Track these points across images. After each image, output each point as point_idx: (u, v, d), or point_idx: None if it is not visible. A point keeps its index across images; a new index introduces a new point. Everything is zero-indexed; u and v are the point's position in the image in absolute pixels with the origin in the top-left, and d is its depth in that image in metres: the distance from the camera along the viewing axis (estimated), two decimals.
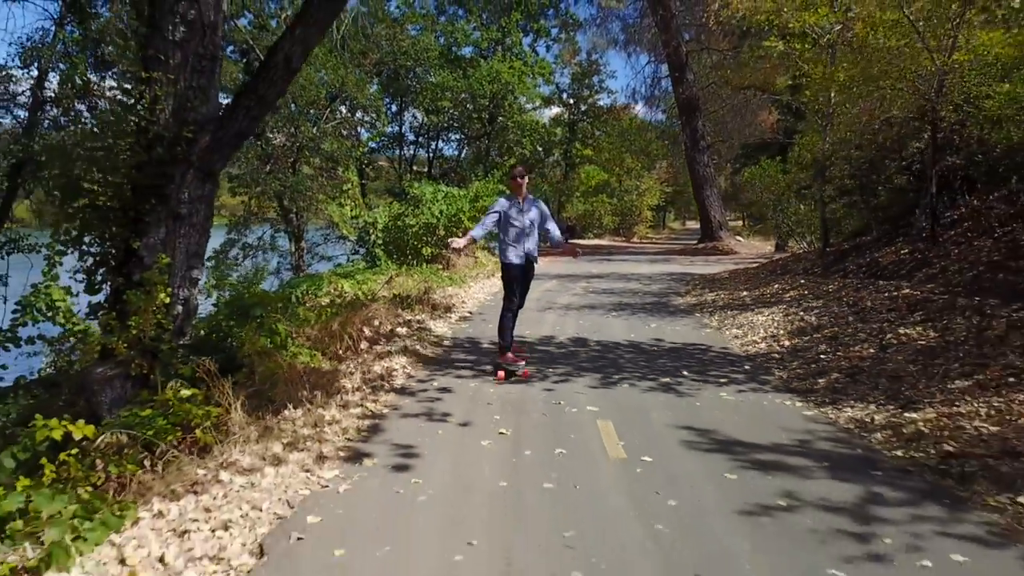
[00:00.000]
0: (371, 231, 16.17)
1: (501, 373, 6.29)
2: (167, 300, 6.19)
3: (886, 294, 8.33)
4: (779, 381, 6.32)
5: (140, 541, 3.44)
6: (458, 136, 28.27)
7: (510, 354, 6.45)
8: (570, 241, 27.72)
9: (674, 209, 59.81)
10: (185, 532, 3.49)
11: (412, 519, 3.48)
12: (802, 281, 10.98)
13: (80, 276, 6.57)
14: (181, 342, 6.57)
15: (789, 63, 12.52)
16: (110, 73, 13.85)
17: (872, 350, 6.66)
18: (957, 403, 4.95)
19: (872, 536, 3.24)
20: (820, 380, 6.15)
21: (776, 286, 11.29)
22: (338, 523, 3.44)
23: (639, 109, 31.84)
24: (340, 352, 7.35)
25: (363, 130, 24.62)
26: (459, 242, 6.46)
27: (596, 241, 31.86)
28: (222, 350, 6.75)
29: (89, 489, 4.09)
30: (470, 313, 10.34)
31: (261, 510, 3.63)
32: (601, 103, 31.03)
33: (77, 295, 7.00)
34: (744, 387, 6.08)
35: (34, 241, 13.83)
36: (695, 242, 26.57)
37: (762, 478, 3.96)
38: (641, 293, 12.70)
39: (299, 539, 3.29)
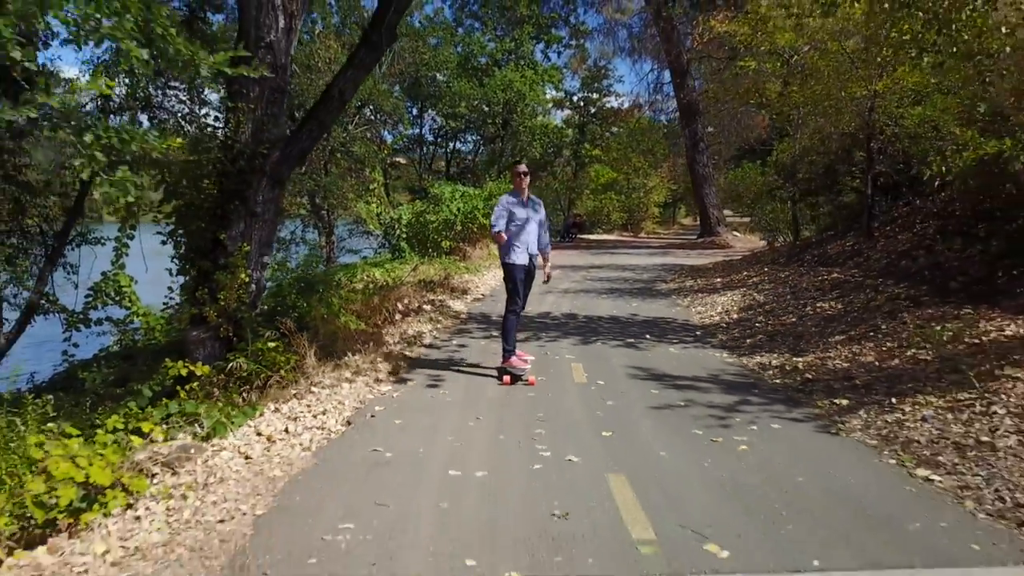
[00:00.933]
0: (396, 226, 18.20)
1: (507, 378, 6.21)
2: (247, 280, 8.25)
3: (820, 278, 10.25)
4: (717, 342, 8.25)
5: (268, 423, 5.44)
6: (474, 137, 30.23)
7: (515, 358, 6.32)
8: (572, 242, 29.68)
9: (685, 205, 61.38)
10: (296, 418, 5.49)
11: (442, 408, 5.48)
12: (766, 270, 12.88)
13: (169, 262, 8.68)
14: (254, 312, 8.65)
15: (762, 80, 14.36)
16: (168, 87, 15.87)
17: (793, 319, 8.59)
18: (829, 351, 6.89)
19: (729, 417, 5.18)
20: (747, 340, 8.09)
21: (744, 274, 13.20)
22: (396, 410, 5.45)
23: (646, 111, 33.50)
24: (379, 322, 9.36)
25: (387, 132, 26.71)
26: (502, 238, 6.21)
27: (604, 236, 33.70)
28: (286, 315, 8.79)
29: (219, 401, 6.14)
30: (482, 295, 12.32)
31: (344, 405, 5.65)
32: (609, 106, 32.93)
33: (138, 282, 9.18)
34: (689, 345, 8.03)
35: (99, 235, 15.91)
36: (695, 237, 28.42)
37: (675, 392, 5.91)
38: (631, 280, 14.63)
39: (372, 416, 5.30)
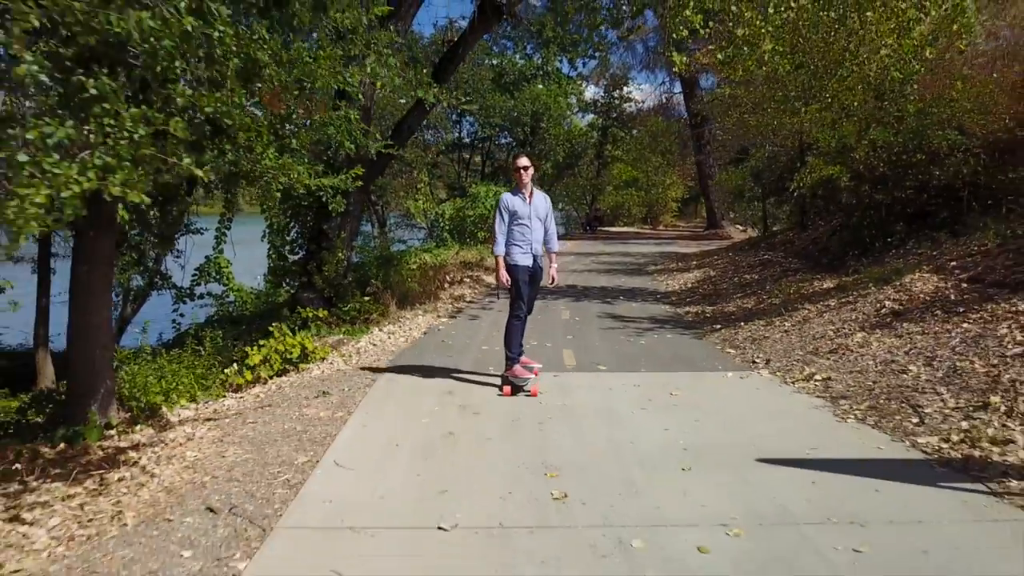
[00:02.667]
0: (440, 220, 22.05)
1: (507, 388, 5.84)
2: (342, 258, 12.15)
3: (756, 259, 13.85)
4: (666, 300, 11.91)
5: (377, 335, 9.30)
6: (507, 140, 33.97)
7: (518, 366, 5.91)
8: (594, 234, 33.31)
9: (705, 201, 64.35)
10: (392, 332, 9.34)
11: (477, 327, 9.28)
12: (730, 255, 16.46)
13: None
14: (347, 280, 12.55)
15: (734, 104, 17.87)
16: None
17: (724, 286, 12.22)
18: (730, 302, 10.53)
19: (646, 332, 8.86)
20: (686, 298, 11.74)
21: (714, 258, 16.79)
22: (450, 328, 9.28)
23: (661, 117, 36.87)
24: (433, 288, 13.21)
25: (430, 137, 30.63)
26: (503, 275, 5.82)
27: (624, 228, 37.26)
28: (368, 283, 12.72)
29: (341, 330, 10.05)
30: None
31: (419, 326, 9.49)
32: (629, 111, 36.44)
33: (230, 264, 13.26)
34: (646, 302, 11.69)
35: (199, 226, 19.99)
36: (702, 229, 31.84)
37: (621, 323, 9.60)
38: (629, 263, 18.27)
39: (438, 330, 9.14)
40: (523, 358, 6.08)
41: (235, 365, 7.53)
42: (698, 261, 17.19)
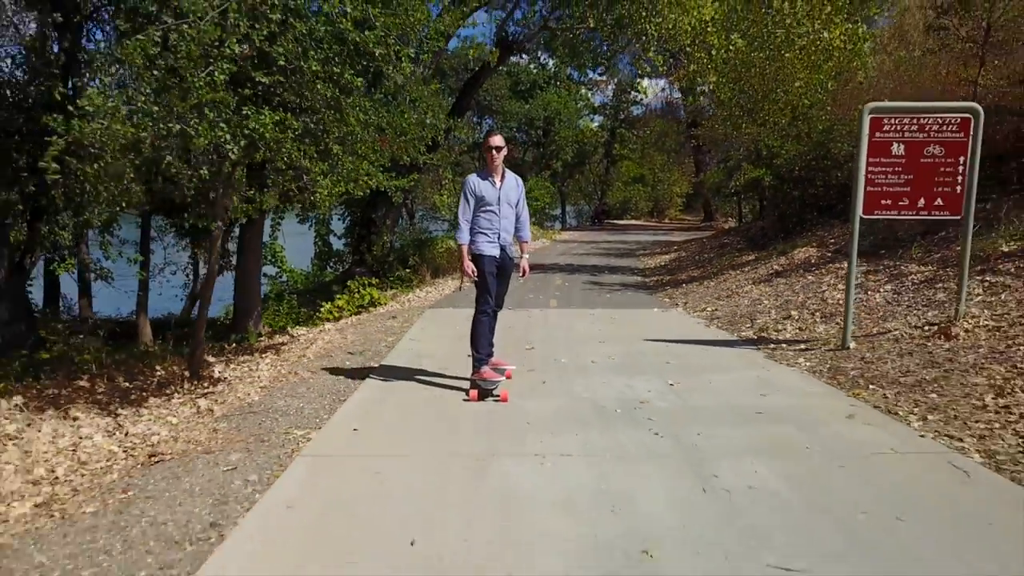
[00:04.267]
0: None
1: (474, 392, 5.20)
2: (387, 240, 15.64)
3: (720, 242, 17.08)
4: (641, 274, 15.17)
5: (417, 293, 12.74)
6: (522, 140, 37.31)
7: (487, 368, 5.28)
8: (601, 226, 36.52)
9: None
10: (428, 292, 12.76)
11: (513, 282, 12.64)
12: (704, 241, 19.68)
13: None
14: (391, 258, 16.03)
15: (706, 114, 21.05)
16: None
17: (688, 263, 15.48)
18: (684, 272, 13.80)
19: (615, 293, 12.16)
20: (656, 272, 15.01)
21: (692, 244, 20.02)
22: (470, 290, 12.65)
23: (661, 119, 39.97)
24: (458, 265, 16.63)
25: (452, 139, 34.06)
26: (469, 270, 5.26)
27: (631, 221, 40.46)
28: (407, 260, 16.20)
29: (390, 292, 13.53)
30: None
31: (449, 288, 12.87)
32: (635, 113, 39.66)
33: (283, 249, 16.76)
34: (624, 275, 14.96)
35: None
36: (699, 221, 34.98)
37: (598, 287, 12.90)
38: (623, 249, 21.54)
39: (461, 288, 12.51)
40: (494, 359, 5.46)
41: (327, 304, 10.98)
42: (679, 247, 20.44)
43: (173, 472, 3.99)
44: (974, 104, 6.27)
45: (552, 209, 39.46)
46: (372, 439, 4.31)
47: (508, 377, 5.65)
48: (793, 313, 8.06)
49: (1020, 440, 3.97)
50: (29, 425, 5.45)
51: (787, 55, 12.74)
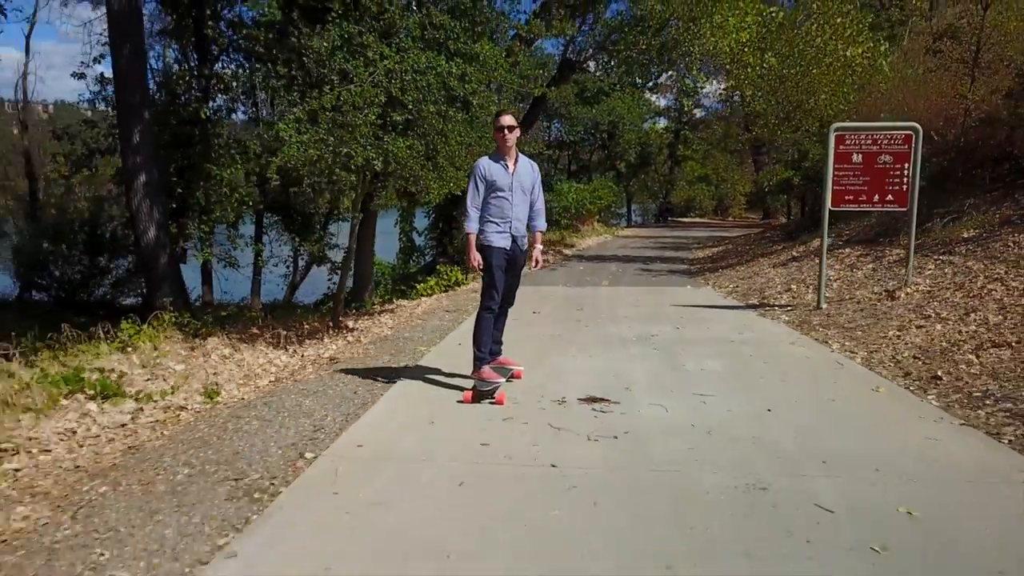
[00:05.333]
0: None
1: (468, 394, 4.84)
2: None
3: (765, 236, 18.96)
4: (688, 263, 17.23)
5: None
6: (589, 143, 39.49)
7: (487, 368, 4.90)
8: (666, 224, 38.43)
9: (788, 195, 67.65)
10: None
11: (554, 274, 14.98)
12: (752, 236, 21.53)
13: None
14: None
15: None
16: None
17: (730, 254, 17.47)
18: (725, 260, 15.84)
19: (664, 277, 14.33)
20: (703, 261, 17.06)
21: (740, 239, 21.88)
22: (539, 274, 15.04)
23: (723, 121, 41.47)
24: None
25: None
26: (474, 256, 4.85)
27: (695, 219, 42.13)
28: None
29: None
30: (580, 250, 21.73)
31: None
32: (698, 116, 41.28)
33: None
34: (674, 264, 17.06)
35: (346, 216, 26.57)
36: (759, 219, 36.45)
37: (649, 273, 15.08)
38: (679, 243, 23.54)
39: (529, 271, 14.92)
40: (502, 357, 5.26)
41: (420, 285, 13.54)
42: (730, 241, 22.33)
43: (350, 367, 6.51)
44: (915, 124, 8.29)
45: (618, 208, 41.55)
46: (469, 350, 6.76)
47: (518, 377, 5.28)
48: (793, 287, 10.14)
49: (894, 352, 6.09)
50: (235, 351, 8.11)
51: (814, 71, 14.66)
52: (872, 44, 14.41)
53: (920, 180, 12.22)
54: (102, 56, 14.55)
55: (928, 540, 2.82)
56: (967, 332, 6.13)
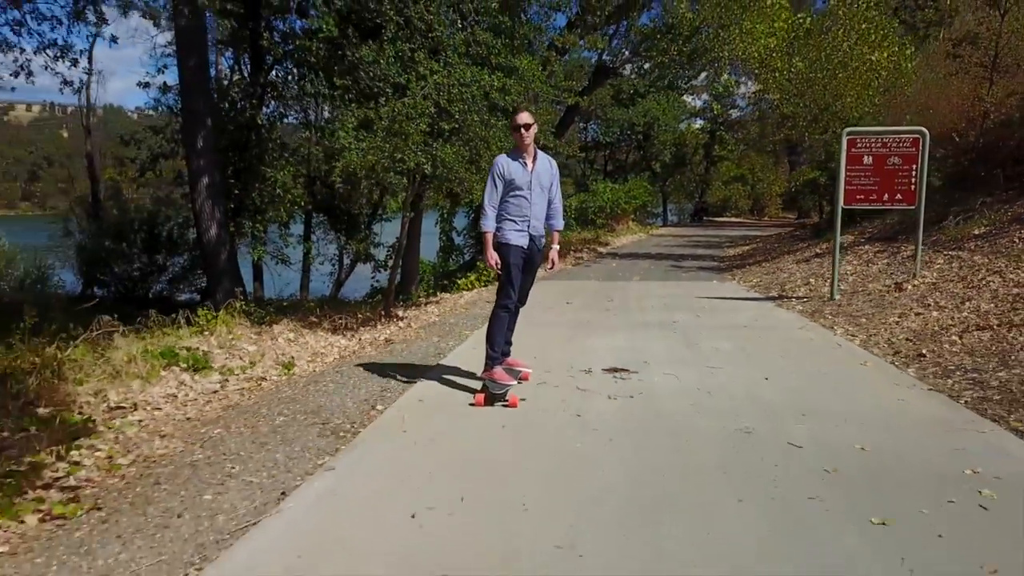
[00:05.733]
0: (568, 211, 28.58)
1: (480, 396, 4.75)
2: None
3: (792, 234, 19.48)
4: (718, 260, 17.85)
5: None
6: (625, 143, 40.10)
7: (499, 369, 4.84)
8: (701, 223, 38.97)
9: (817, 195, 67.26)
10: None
11: (587, 271, 15.76)
12: (783, 234, 22.02)
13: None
14: None
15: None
16: None
17: (759, 252, 18.05)
18: (752, 260, 16.46)
19: (693, 273, 15.03)
20: (733, 259, 17.68)
21: (773, 237, 22.38)
22: (570, 269, 15.81)
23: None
24: (570, 254, 19.79)
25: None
26: (491, 256, 4.81)
27: (730, 219, 42.45)
28: None
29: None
30: (614, 248, 22.46)
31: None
32: (733, 116, 41.60)
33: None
34: (704, 261, 17.71)
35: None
36: (794, 218, 36.67)
37: (680, 268, 15.78)
38: (711, 242, 24.10)
39: (566, 268, 15.69)
40: (510, 359, 5.16)
41: (461, 280, 14.43)
42: (761, 240, 22.85)
43: (405, 345, 7.41)
44: (922, 128, 8.92)
45: (654, 207, 42.06)
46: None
47: (525, 379, 5.17)
48: (811, 281, 10.80)
49: (889, 336, 6.78)
50: (299, 335, 9.07)
51: (841, 75, 15.21)
52: (897, 48, 14.93)
53: (937, 179, 12.79)
54: (165, 67, 15.70)
55: (871, 465, 3.59)
56: (958, 318, 6.80)
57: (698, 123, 43.24)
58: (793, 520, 2.98)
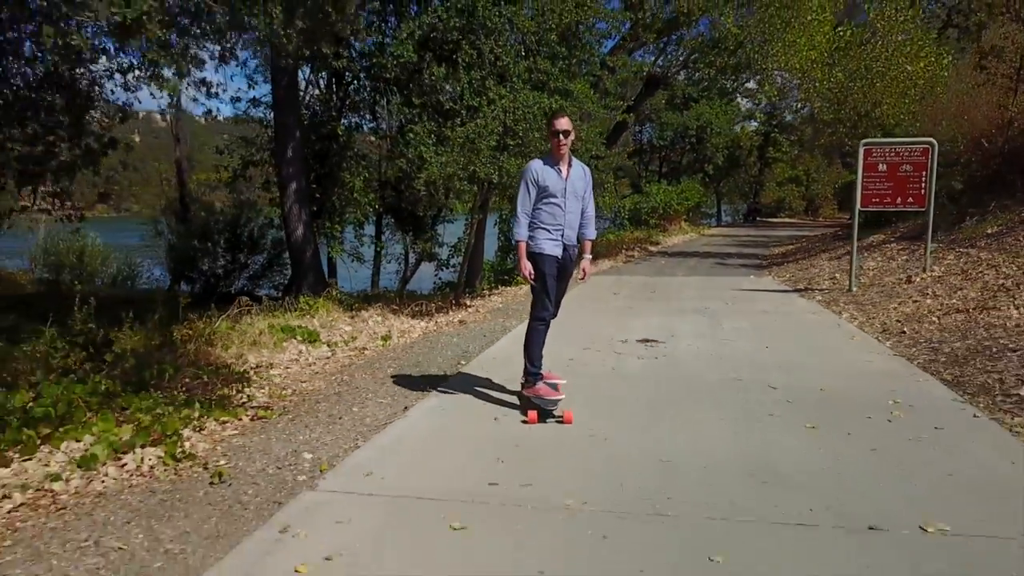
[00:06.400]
0: (622, 211, 29.92)
1: (532, 413, 4.57)
2: None
3: (833, 234, 20.43)
4: (762, 258, 18.95)
5: None
6: (679, 145, 41.07)
7: (543, 384, 4.75)
8: (754, 223, 39.69)
9: None
10: (595, 267, 17.48)
11: (637, 267, 17.11)
12: (827, 234, 22.89)
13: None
14: None
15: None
16: None
17: (800, 251, 19.09)
18: (792, 259, 17.54)
19: (733, 268, 16.24)
20: (775, 257, 18.77)
21: (818, 237, 23.27)
22: (621, 266, 17.19)
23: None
24: (616, 251, 21.17)
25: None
26: (527, 269, 4.69)
27: (784, 219, 43.00)
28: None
29: None
30: (664, 247, 23.68)
31: (608, 265, 17.51)
32: (788, 119, 42.15)
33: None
34: (748, 259, 18.84)
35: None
36: (847, 219, 37.10)
37: (722, 265, 16.99)
38: (759, 241, 25.09)
39: (617, 266, 17.08)
40: (545, 371, 4.94)
41: (519, 276, 15.97)
42: (807, 239, 23.77)
43: (476, 324, 8.98)
44: (931, 139, 10.06)
45: (709, 208, 42.90)
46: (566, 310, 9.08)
47: (558, 390, 4.85)
48: (837, 275, 11.98)
49: (885, 319, 8.02)
50: (385, 319, 10.72)
51: (878, 84, 16.23)
52: (934, 59, 15.88)
53: (959, 183, 13.78)
54: (255, 83, 17.65)
55: (822, 399, 4.97)
56: (946, 304, 8.01)
57: (753, 125, 43.92)
58: (756, 428, 4.40)
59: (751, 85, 34.29)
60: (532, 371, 4.77)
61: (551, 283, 4.71)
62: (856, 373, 5.66)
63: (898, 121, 16.19)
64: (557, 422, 4.52)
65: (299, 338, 8.58)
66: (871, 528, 2.99)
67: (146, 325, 8.24)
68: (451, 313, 11.13)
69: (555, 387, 4.80)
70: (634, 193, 33.75)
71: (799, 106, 20.52)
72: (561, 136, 4.56)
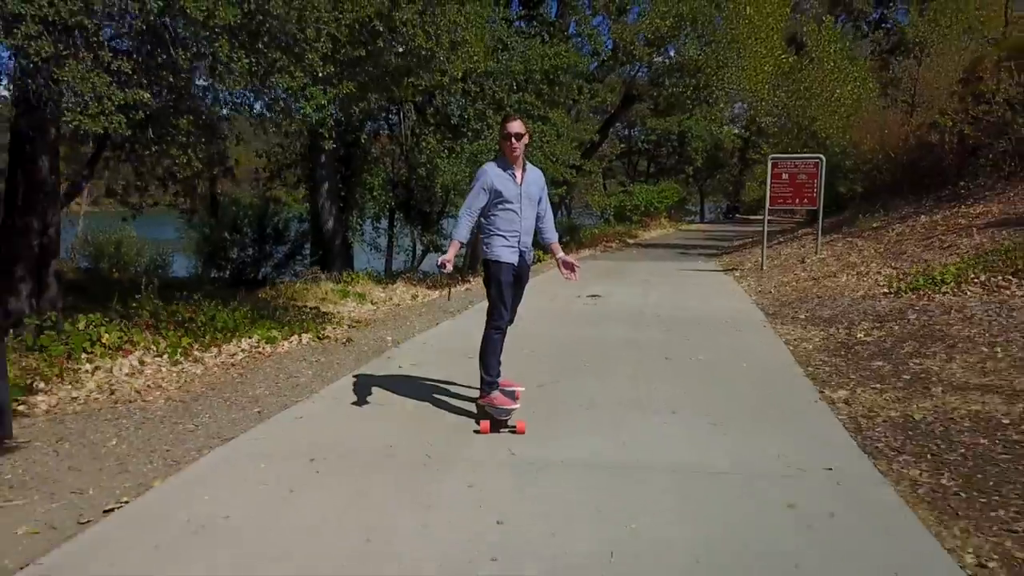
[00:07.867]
0: (608, 209, 33.28)
1: (485, 423, 4.42)
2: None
3: (801, 229, 23.80)
4: (719, 251, 22.26)
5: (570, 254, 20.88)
6: (665, 148, 44.41)
7: (498, 393, 4.55)
8: (733, 220, 43.02)
9: None
10: (579, 257, 20.83)
11: (614, 256, 20.44)
12: (788, 229, 26.26)
13: None
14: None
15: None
16: None
17: (754, 243, 22.44)
18: (747, 248, 20.89)
19: (691, 257, 19.56)
20: (732, 249, 22.10)
21: (778, 233, 26.61)
22: (600, 255, 20.54)
23: None
24: (598, 242, 24.52)
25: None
26: (447, 261, 4.43)
27: (761, 216, 46.34)
28: (561, 239, 24.33)
29: None
30: (641, 240, 27.01)
31: (588, 253, 20.87)
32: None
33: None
34: (709, 250, 22.15)
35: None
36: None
37: (683, 255, 20.30)
38: (726, 235, 28.37)
39: (596, 255, 20.43)
40: (502, 379, 4.67)
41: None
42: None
43: (479, 291, 12.36)
44: (820, 155, 13.42)
45: (694, 205, 46.22)
46: (537, 287, 12.43)
47: (516, 398, 4.75)
48: (759, 259, 15.33)
49: (764, 285, 11.34)
50: (410, 288, 14.07)
51: (814, 104, 19.60)
52: (859, 83, 19.26)
53: (861, 187, 17.14)
54: None
55: (688, 319, 8.32)
56: (808, 276, 11.36)
57: (736, 129, 47.22)
58: (639, 329, 7.73)
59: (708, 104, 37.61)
60: (487, 380, 4.56)
61: (507, 291, 4.58)
62: (721, 312, 9.01)
63: (829, 135, 19.55)
64: (511, 432, 4.35)
65: (351, 297, 11.92)
66: (667, 359, 6.35)
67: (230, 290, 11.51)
68: (459, 286, 14.49)
69: (512, 395, 4.68)
70: (620, 193, 37.14)
71: (746, 121, 23.70)
72: (514, 139, 4.36)
